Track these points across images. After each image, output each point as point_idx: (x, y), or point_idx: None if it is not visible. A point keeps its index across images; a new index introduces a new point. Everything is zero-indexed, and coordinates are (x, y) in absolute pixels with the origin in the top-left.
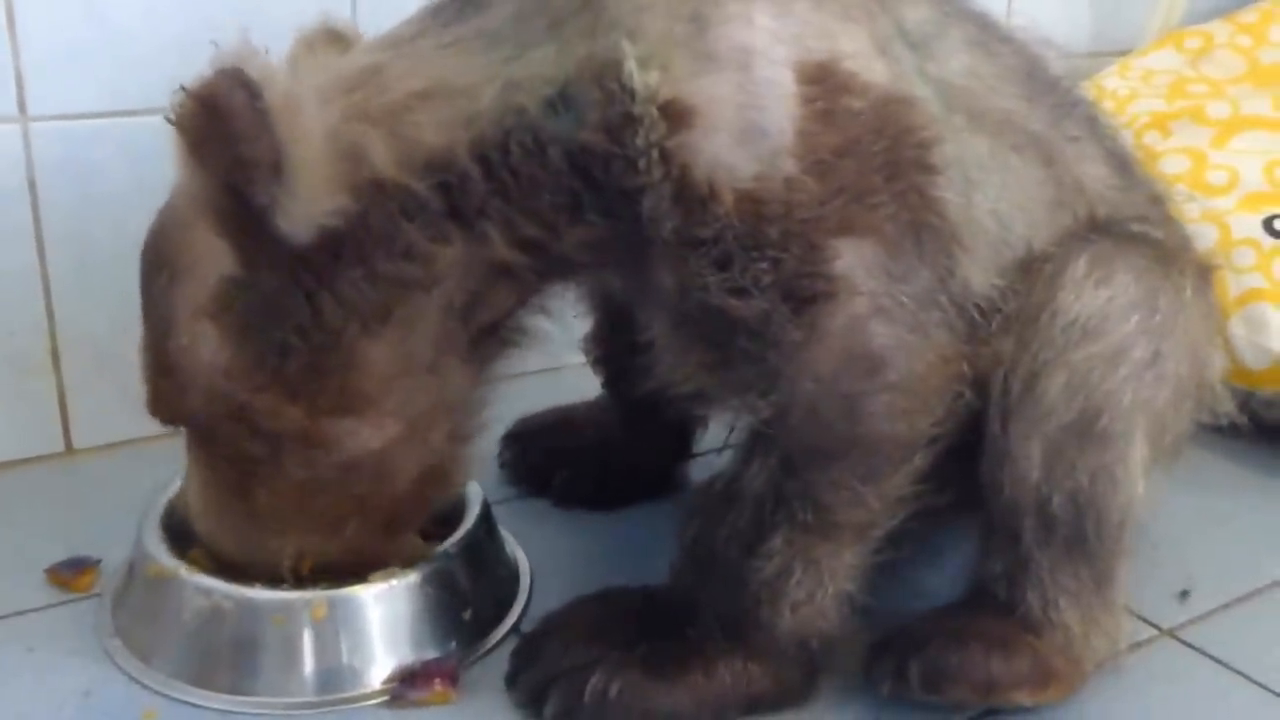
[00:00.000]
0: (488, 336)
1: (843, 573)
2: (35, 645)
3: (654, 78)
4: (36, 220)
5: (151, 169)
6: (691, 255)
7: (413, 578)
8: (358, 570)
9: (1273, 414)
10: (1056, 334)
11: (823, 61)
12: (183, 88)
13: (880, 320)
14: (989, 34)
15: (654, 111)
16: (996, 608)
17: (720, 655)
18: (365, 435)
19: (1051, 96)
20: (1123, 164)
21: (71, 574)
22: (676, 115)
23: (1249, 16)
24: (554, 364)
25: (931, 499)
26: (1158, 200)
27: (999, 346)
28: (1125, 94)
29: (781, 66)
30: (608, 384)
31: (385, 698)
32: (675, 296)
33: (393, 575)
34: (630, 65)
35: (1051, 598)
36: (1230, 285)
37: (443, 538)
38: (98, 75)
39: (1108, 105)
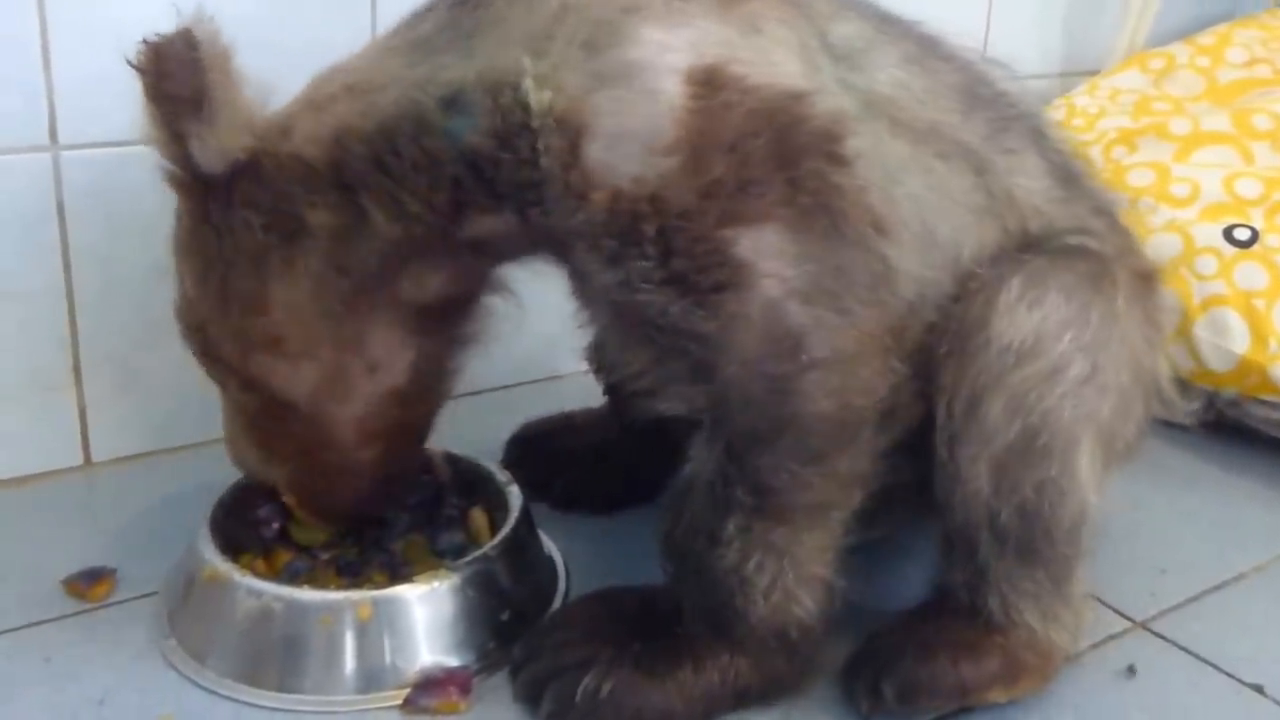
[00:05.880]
0: (444, 314)
1: (805, 556)
2: (52, 655)
3: (547, 96)
4: (64, 243)
5: (174, 195)
6: (586, 254)
7: (455, 579)
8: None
9: (1236, 413)
10: (993, 359)
11: (711, 65)
12: (144, 40)
13: (795, 300)
14: (929, 52)
15: (551, 123)
16: (961, 611)
17: (707, 652)
18: (284, 373)
19: (989, 111)
20: (1068, 177)
21: (88, 584)
22: (564, 126)
23: (1207, 39)
24: (559, 372)
25: (893, 477)
26: (1101, 211)
27: (940, 372)
28: (1094, 111)
29: (666, 74)
30: (608, 390)
31: (399, 702)
32: (605, 292)
33: (436, 576)
34: (528, 83)
35: (1011, 601)
36: (1194, 292)
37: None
38: (126, 105)
39: (1078, 122)
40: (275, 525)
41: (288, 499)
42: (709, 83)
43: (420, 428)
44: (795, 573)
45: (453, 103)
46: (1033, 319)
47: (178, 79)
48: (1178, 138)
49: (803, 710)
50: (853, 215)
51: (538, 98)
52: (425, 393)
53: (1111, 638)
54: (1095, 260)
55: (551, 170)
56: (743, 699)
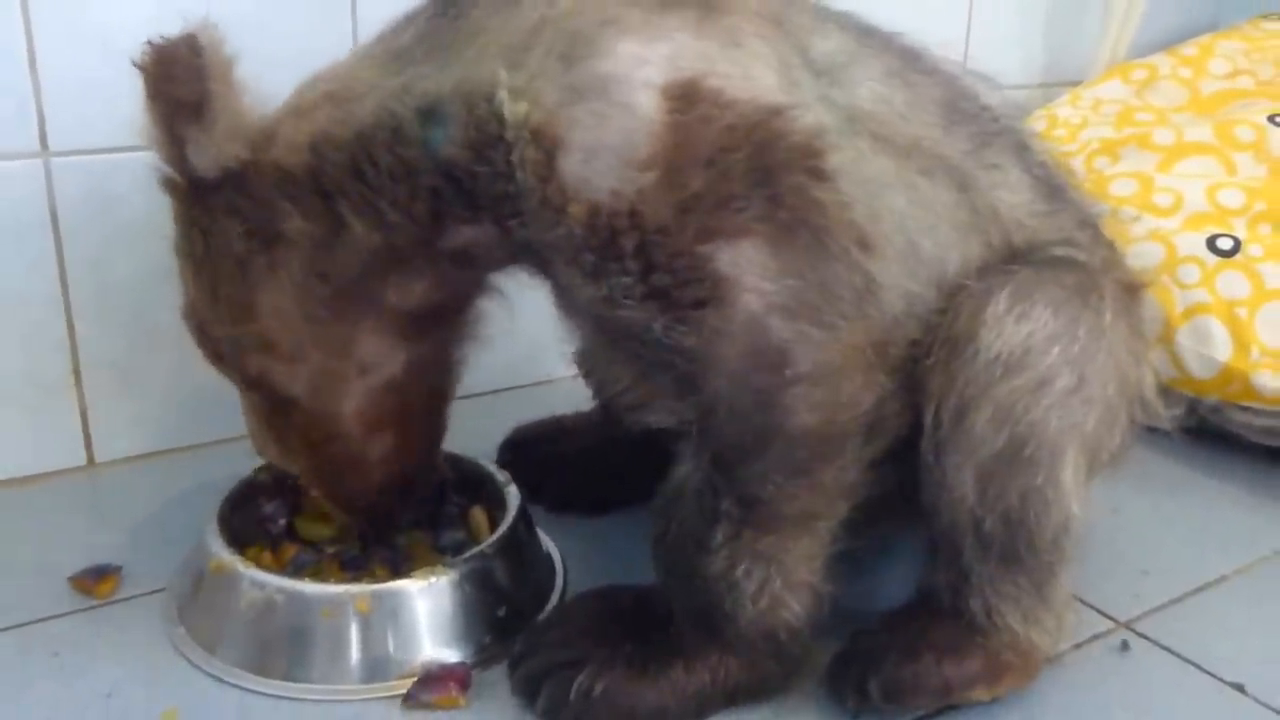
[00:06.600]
0: (434, 319)
1: (792, 564)
2: (60, 650)
3: (522, 108)
4: (58, 250)
5: (166, 200)
6: (566, 268)
7: (454, 575)
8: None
9: (1217, 419)
10: (980, 370)
11: (689, 79)
12: (149, 41)
13: (778, 315)
14: (911, 66)
15: (526, 135)
16: (944, 613)
17: (698, 652)
18: (280, 372)
19: (972, 126)
20: (1051, 190)
21: (94, 581)
22: (540, 140)
23: (1190, 50)
24: (549, 376)
25: (880, 487)
26: (1085, 224)
27: (927, 380)
28: (1077, 122)
29: (642, 88)
30: (597, 394)
31: (400, 694)
32: (587, 306)
33: (434, 572)
34: (503, 95)
35: (993, 604)
36: (1177, 300)
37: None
38: (115, 111)
39: (1060, 132)
40: (281, 521)
41: (312, 492)
42: (685, 97)
43: (429, 424)
44: (783, 579)
45: (429, 113)
46: (1021, 331)
47: (180, 82)
48: (1161, 148)
49: (791, 709)
50: (835, 230)
51: (512, 109)
52: (424, 389)
53: (1095, 638)
54: (1082, 273)
55: (527, 182)
56: (733, 698)
